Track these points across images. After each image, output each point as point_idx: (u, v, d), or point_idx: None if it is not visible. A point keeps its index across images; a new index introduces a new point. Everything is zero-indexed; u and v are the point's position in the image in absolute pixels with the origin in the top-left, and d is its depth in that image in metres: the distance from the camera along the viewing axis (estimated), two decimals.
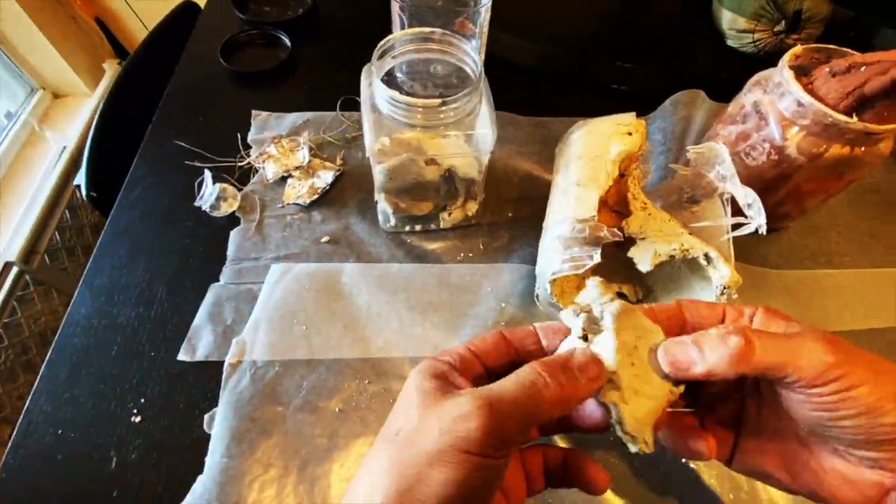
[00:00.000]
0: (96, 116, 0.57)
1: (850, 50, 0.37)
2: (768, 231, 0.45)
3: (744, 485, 0.33)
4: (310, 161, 0.46)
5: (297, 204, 0.45)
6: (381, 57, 0.34)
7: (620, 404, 0.20)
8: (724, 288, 0.32)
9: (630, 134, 0.36)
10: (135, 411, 0.35)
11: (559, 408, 0.19)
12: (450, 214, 0.43)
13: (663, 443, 0.23)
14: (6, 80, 1.06)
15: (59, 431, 0.34)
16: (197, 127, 0.50)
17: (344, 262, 0.42)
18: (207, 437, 0.34)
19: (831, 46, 0.38)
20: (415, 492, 0.17)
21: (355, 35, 0.59)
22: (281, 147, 0.47)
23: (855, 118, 0.33)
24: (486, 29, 0.49)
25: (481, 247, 0.44)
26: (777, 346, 0.19)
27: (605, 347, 0.21)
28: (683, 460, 0.34)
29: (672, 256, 0.33)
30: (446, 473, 0.17)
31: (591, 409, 0.21)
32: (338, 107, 0.51)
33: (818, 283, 0.43)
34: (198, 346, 0.38)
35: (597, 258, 0.31)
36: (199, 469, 0.33)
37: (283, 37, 0.57)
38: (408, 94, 0.51)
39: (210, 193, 0.44)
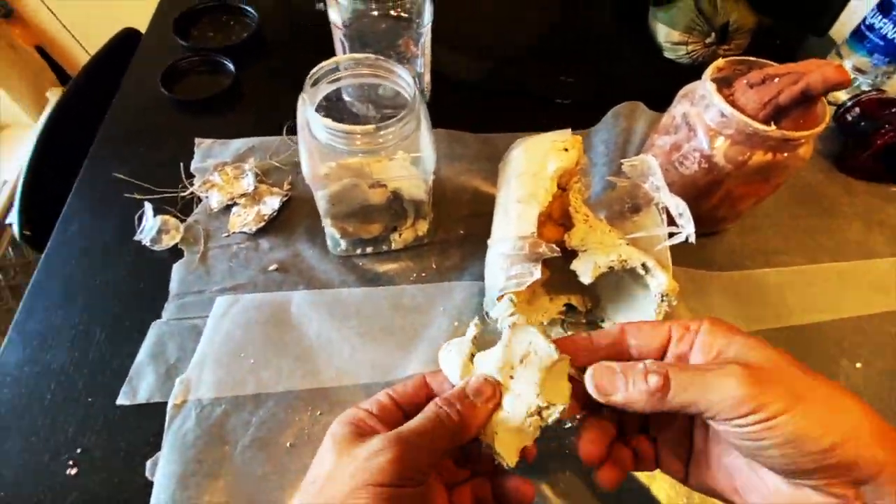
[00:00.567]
0: (31, 150, 0.54)
1: (768, 61, 0.39)
2: (709, 234, 0.47)
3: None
4: (256, 187, 0.46)
5: (244, 232, 0.44)
6: (314, 84, 0.34)
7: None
8: (663, 296, 0.33)
9: (566, 150, 0.37)
10: (70, 463, 0.33)
11: (464, 432, 0.22)
12: (400, 235, 0.43)
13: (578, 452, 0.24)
14: None
15: None
16: (137, 158, 0.49)
17: (294, 289, 0.41)
18: (150, 485, 0.32)
19: (751, 58, 0.40)
20: None
21: (300, 59, 0.58)
22: (225, 174, 0.46)
23: (773, 126, 0.35)
24: (428, 49, 0.50)
25: (434, 266, 0.44)
26: (692, 382, 0.20)
27: (491, 358, 0.24)
28: (637, 473, 0.34)
29: (611, 268, 0.34)
30: None
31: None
32: (284, 131, 0.51)
33: (759, 282, 0.44)
34: (139, 387, 0.36)
35: (537, 274, 0.32)
36: None
37: (226, 62, 0.56)
38: (353, 115, 0.51)
39: (151, 227, 0.42)
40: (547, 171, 0.36)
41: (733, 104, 0.36)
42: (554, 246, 0.33)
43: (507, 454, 0.22)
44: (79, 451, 0.34)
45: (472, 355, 0.25)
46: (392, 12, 0.46)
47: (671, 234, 0.34)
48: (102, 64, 0.64)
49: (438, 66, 0.54)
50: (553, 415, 0.22)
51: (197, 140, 0.50)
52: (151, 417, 0.35)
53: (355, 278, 0.42)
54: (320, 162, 0.34)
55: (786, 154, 0.37)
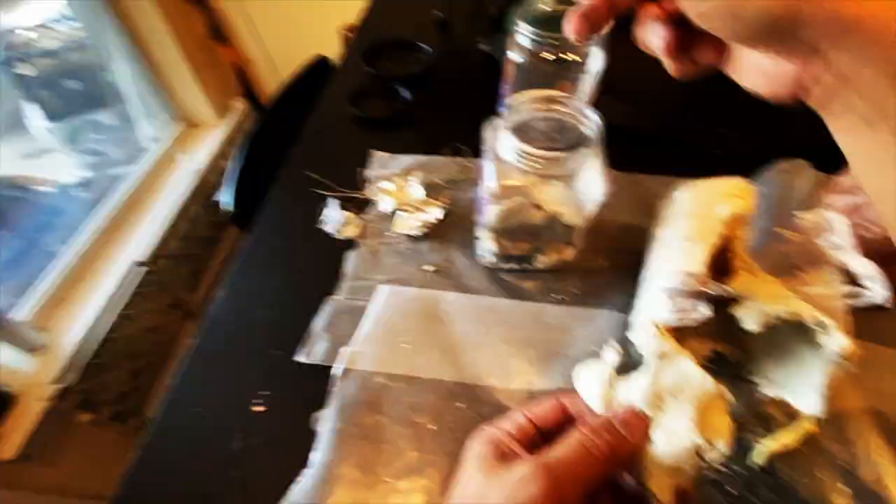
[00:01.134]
0: (246, 147, 0.67)
1: None
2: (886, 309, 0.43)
3: None
4: (422, 198, 0.52)
5: (408, 234, 0.50)
6: (511, 111, 0.39)
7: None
8: (842, 359, 0.32)
9: (740, 197, 0.37)
10: (260, 402, 0.40)
11: (611, 464, 0.21)
12: (546, 256, 0.46)
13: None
14: (156, 111, 1.27)
15: (199, 410, 0.40)
16: (326, 162, 0.58)
17: (444, 290, 0.46)
18: (314, 434, 0.38)
19: None
20: None
21: (464, 90, 0.67)
22: (396, 184, 0.54)
23: None
24: (588, 93, 0.54)
25: (574, 290, 0.46)
26: None
27: (636, 386, 0.23)
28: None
29: (783, 319, 0.33)
30: None
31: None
32: (448, 152, 0.57)
33: None
34: (313, 350, 0.42)
35: (706, 311, 0.32)
36: (306, 461, 0.36)
37: (402, 90, 0.65)
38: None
39: (335, 219, 0.50)
40: (716, 214, 0.36)
41: None
42: (726, 287, 0.33)
43: (662, 494, 0.21)
44: (267, 392, 0.40)
45: (612, 381, 0.25)
46: (562, 55, 0.51)
47: (854, 295, 0.33)
48: (298, 83, 0.78)
49: (595, 109, 0.57)
50: (713, 454, 0.22)
51: (373, 152, 0.58)
52: (322, 377, 0.41)
53: (498, 289, 0.46)
54: (501, 180, 0.39)
55: None
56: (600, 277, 0.47)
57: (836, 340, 0.32)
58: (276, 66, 1.31)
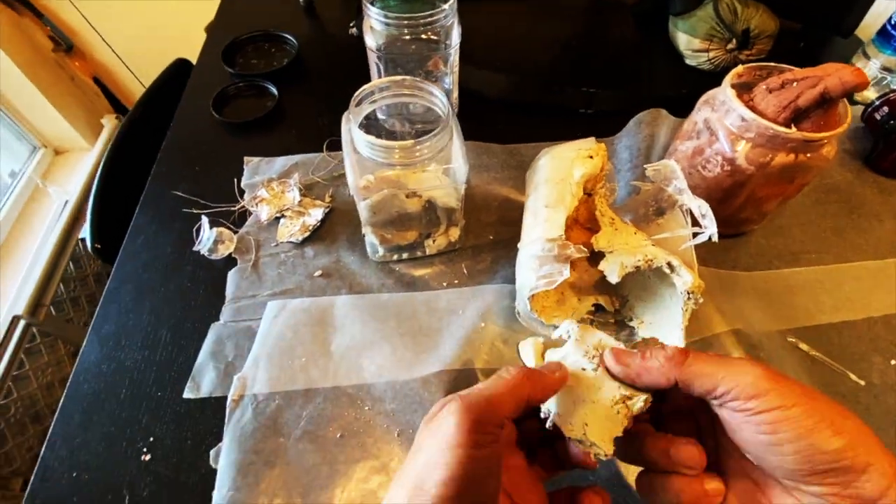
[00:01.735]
0: (98, 172, 0.60)
1: (788, 66, 0.40)
2: (736, 235, 0.48)
3: None
4: (300, 200, 0.49)
5: (291, 242, 0.47)
6: (357, 104, 0.38)
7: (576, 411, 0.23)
8: (689, 293, 0.34)
9: (591, 157, 0.39)
10: (144, 450, 0.37)
11: (525, 395, 0.22)
12: (434, 241, 0.46)
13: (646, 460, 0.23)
14: (9, 141, 1.11)
15: (75, 474, 0.36)
16: (194, 176, 0.54)
17: (337, 293, 0.44)
18: (214, 472, 0.36)
19: (771, 64, 0.41)
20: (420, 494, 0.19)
21: (337, 80, 0.64)
22: (272, 189, 0.51)
23: (793, 128, 0.36)
24: (456, 67, 0.53)
25: (465, 270, 0.46)
26: (709, 359, 0.21)
27: (562, 353, 0.25)
28: None
29: (637, 267, 0.35)
30: (438, 473, 0.19)
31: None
32: (324, 148, 0.55)
33: (786, 282, 0.45)
34: (202, 383, 0.40)
35: (566, 274, 0.34)
36: (208, 503, 0.34)
37: (270, 86, 0.61)
38: (388, 131, 0.55)
39: (208, 238, 0.47)
40: (573, 178, 0.38)
41: (753, 109, 0.38)
42: (581, 247, 0.35)
43: (602, 442, 0.22)
44: (151, 439, 0.37)
45: (544, 353, 0.26)
46: (423, 36, 0.49)
47: (695, 235, 0.35)
48: (157, 92, 0.71)
49: (465, 83, 0.57)
50: (637, 403, 0.23)
51: (246, 158, 0.55)
52: (214, 410, 0.38)
53: (393, 282, 0.45)
54: (363, 174, 0.38)
55: (808, 155, 0.38)
56: (488, 253, 0.47)
57: (684, 278, 0.34)
58: (141, 75, 1.18)
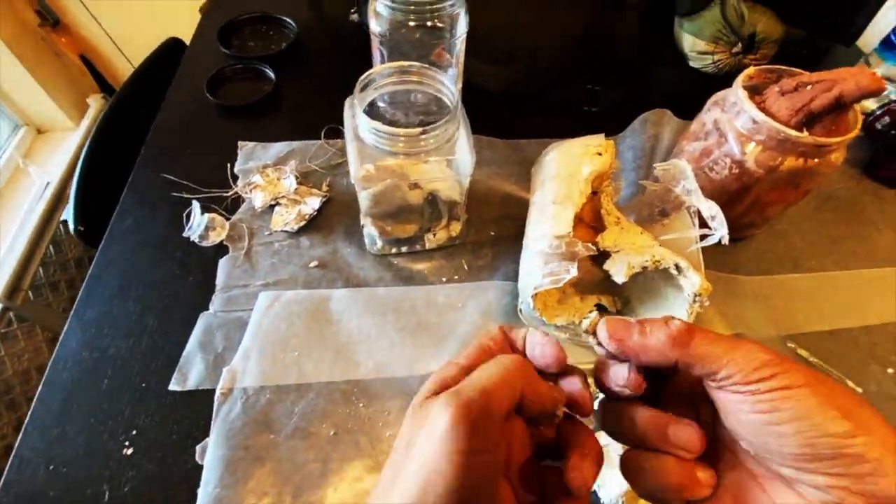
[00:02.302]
0: (83, 152, 0.58)
1: (799, 70, 0.40)
2: (737, 240, 0.48)
3: None
4: (296, 188, 0.48)
5: (285, 231, 0.46)
6: (363, 89, 0.36)
7: None
8: (696, 296, 0.34)
9: (600, 154, 0.38)
10: (126, 443, 0.35)
11: (521, 376, 0.20)
12: (434, 235, 0.45)
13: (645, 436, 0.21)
14: None
15: (51, 467, 0.34)
16: (185, 160, 0.51)
17: (333, 285, 0.43)
18: (200, 468, 0.34)
19: (782, 67, 0.41)
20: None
21: (337, 66, 0.62)
22: (267, 176, 0.49)
23: (805, 132, 0.36)
24: (461, 58, 0.52)
25: (465, 266, 0.45)
26: (716, 339, 0.19)
27: None
28: None
29: (644, 268, 0.35)
30: (441, 484, 0.17)
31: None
32: (322, 135, 0.53)
33: (786, 287, 0.45)
34: (189, 375, 0.38)
35: (573, 272, 0.33)
36: (193, 500, 0.33)
37: (267, 70, 0.59)
38: (390, 122, 0.53)
39: (198, 224, 0.45)
40: (581, 174, 0.37)
41: (764, 111, 0.37)
42: (590, 245, 0.34)
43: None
44: (134, 433, 0.36)
45: None
46: (428, 23, 0.48)
47: (703, 237, 0.35)
48: (147, 71, 0.68)
49: (470, 75, 0.56)
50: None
51: (240, 143, 0.53)
52: (201, 403, 0.37)
53: (391, 276, 0.44)
54: (364, 163, 0.36)
55: (817, 160, 0.37)
56: (489, 249, 0.46)
57: (692, 280, 0.34)
58: (130, 54, 1.14)
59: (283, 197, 0.47)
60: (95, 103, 1.17)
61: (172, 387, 0.37)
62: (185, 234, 0.45)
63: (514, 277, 0.43)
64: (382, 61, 0.51)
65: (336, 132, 0.53)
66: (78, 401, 0.37)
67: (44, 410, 0.37)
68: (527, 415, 0.21)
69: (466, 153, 0.37)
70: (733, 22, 0.59)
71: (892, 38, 0.57)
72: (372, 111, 0.44)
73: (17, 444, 0.35)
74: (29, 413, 0.36)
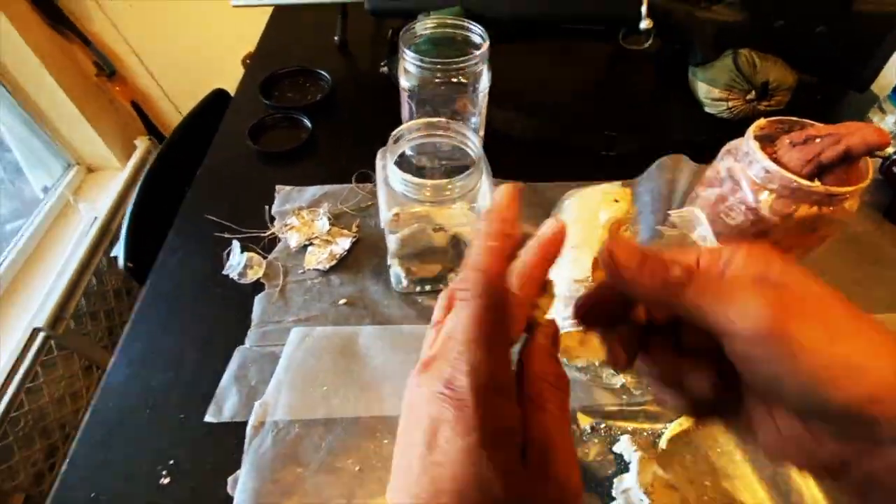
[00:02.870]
0: (135, 194, 0.63)
1: (809, 120, 0.41)
2: None
3: None
4: (329, 230, 0.51)
5: (318, 269, 0.49)
6: (395, 142, 0.40)
7: None
8: None
9: (617, 201, 0.40)
10: (164, 473, 0.37)
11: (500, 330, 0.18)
12: (457, 274, 0.47)
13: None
14: (45, 157, 1.16)
15: (93, 494, 0.36)
16: (227, 202, 0.56)
17: (361, 322, 0.45)
18: (232, 499, 0.36)
19: (793, 118, 0.42)
20: None
21: (368, 116, 0.67)
22: (302, 217, 0.52)
23: (817, 182, 0.37)
24: (484, 108, 0.56)
25: None
26: (714, 290, 0.17)
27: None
28: None
29: None
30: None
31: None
32: (353, 180, 0.57)
33: None
34: (224, 407, 0.40)
35: None
36: None
37: (304, 119, 0.63)
38: (416, 167, 0.57)
39: (238, 262, 0.48)
40: (599, 221, 0.39)
41: (777, 161, 0.39)
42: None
43: None
44: (171, 462, 0.37)
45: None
46: (454, 79, 0.52)
47: None
48: (195, 119, 0.74)
49: (493, 122, 0.59)
50: None
51: (277, 187, 0.57)
52: (234, 435, 0.38)
53: (416, 313, 0.46)
54: (394, 208, 0.39)
55: (832, 208, 0.38)
56: None
57: None
58: (178, 102, 1.24)
59: (316, 237, 0.50)
60: (142, 145, 1.26)
61: (208, 418, 0.39)
62: (224, 272, 0.48)
63: None
64: (410, 112, 0.55)
65: (366, 177, 0.57)
66: (120, 431, 0.39)
67: (88, 440, 0.39)
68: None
69: (488, 199, 0.40)
70: (746, 71, 0.62)
71: None
72: (401, 158, 0.47)
73: (62, 472, 0.37)
74: (74, 442, 0.39)
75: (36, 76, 1.04)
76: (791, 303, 0.16)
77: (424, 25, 0.51)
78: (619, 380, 0.40)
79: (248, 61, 0.86)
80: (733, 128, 0.46)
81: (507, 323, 0.19)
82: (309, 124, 0.63)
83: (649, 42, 0.72)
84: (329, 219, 0.52)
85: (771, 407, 0.18)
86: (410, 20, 0.53)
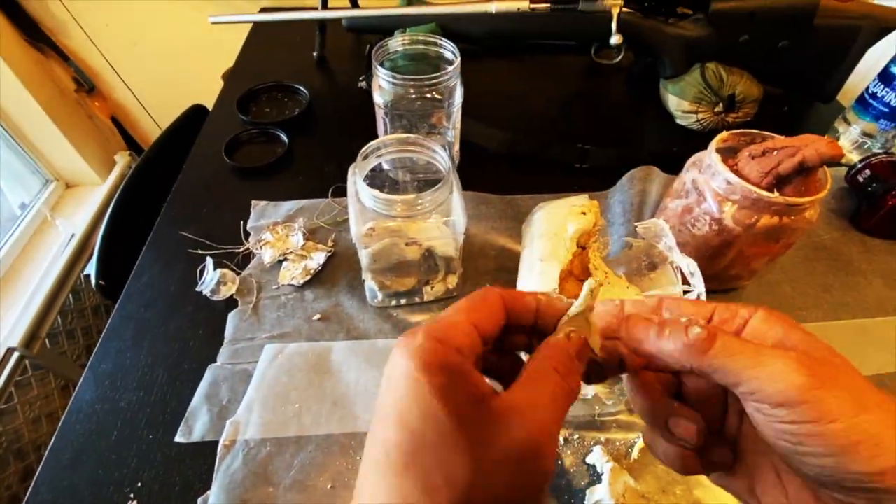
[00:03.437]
0: (109, 211, 0.62)
1: (769, 133, 0.43)
2: (726, 291, 0.49)
3: None
4: (303, 244, 0.51)
5: (292, 285, 0.48)
6: (364, 158, 0.40)
7: None
8: None
9: (584, 213, 0.40)
10: (131, 495, 0.36)
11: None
12: (432, 288, 0.47)
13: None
14: (22, 173, 1.14)
15: None
16: (202, 218, 0.55)
17: (335, 337, 0.45)
18: None
19: (753, 131, 0.44)
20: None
21: (345, 131, 0.67)
22: (276, 233, 0.52)
23: (776, 193, 0.38)
24: (458, 123, 0.56)
25: None
26: (742, 350, 0.17)
27: None
28: None
29: None
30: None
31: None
32: (329, 194, 0.57)
33: None
34: (194, 427, 0.39)
35: None
36: None
37: (281, 134, 0.64)
38: (392, 180, 0.57)
39: (211, 279, 0.48)
40: (567, 233, 0.39)
41: (738, 173, 0.40)
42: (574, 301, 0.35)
43: None
44: (139, 484, 0.37)
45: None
46: (427, 95, 0.53)
47: (685, 292, 0.36)
48: (173, 134, 0.74)
49: (467, 136, 0.60)
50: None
51: (253, 202, 0.57)
52: (205, 456, 0.38)
53: (390, 327, 0.46)
54: (365, 223, 0.39)
55: (792, 217, 0.39)
56: None
57: None
58: (158, 117, 1.23)
59: (290, 252, 0.50)
60: (122, 160, 1.25)
61: (178, 439, 0.39)
62: (198, 289, 0.48)
63: None
64: (385, 127, 0.56)
65: (343, 191, 0.57)
66: (87, 453, 0.38)
67: (55, 462, 0.38)
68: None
69: (460, 213, 0.40)
70: (713, 84, 0.63)
71: (867, 97, 0.61)
72: (375, 171, 0.48)
73: (27, 497, 0.36)
74: (40, 465, 0.38)
75: (13, 92, 1.02)
76: (820, 370, 0.16)
77: (397, 42, 0.52)
78: (591, 390, 0.40)
79: (227, 76, 0.86)
80: (704, 139, 0.47)
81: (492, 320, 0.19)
82: (286, 139, 0.63)
83: (620, 56, 0.74)
84: (304, 233, 0.52)
85: (781, 472, 0.19)
86: (387, 36, 0.54)
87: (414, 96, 0.52)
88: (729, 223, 0.40)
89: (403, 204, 0.37)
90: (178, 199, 0.58)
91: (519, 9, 0.62)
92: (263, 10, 0.90)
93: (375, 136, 0.51)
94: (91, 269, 0.57)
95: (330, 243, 0.52)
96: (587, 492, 0.36)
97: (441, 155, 0.40)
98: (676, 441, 0.20)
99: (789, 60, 0.64)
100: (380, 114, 0.54)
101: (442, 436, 0.16)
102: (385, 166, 0.58)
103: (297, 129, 0.65)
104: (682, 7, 0.65)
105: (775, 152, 0.38)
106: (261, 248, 0.51)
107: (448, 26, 0.65)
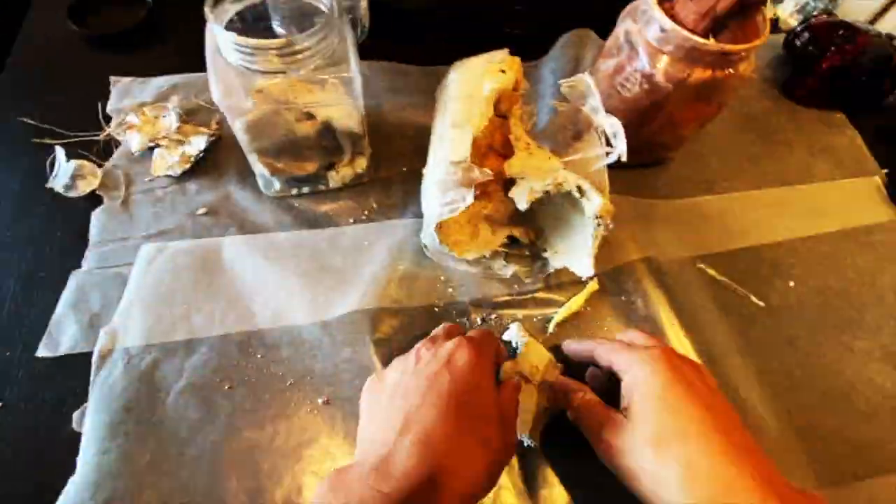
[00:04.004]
0: None
1: None
2: (653, 165, 0.47)
3: None
4: (178, 127, 0.42)
5: (169, 175, 0.41)
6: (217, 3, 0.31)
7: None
8: (598, 218, 0.32)
9: (503, 71, 0.35)
10: None
11: None
12: (337, 173, 0.41)
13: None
14: None
15: None
16: (46, 100, 0.44)
17: (226, 233, 0.39)
18: (78, 437, 0.31)
19: None
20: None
21: None
22: (144, 115, 0.43)
23: (711, 39, 0.34)
24: None
25: (375, 205, 0.42)
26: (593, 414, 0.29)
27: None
28: None
29: (547, 192, 0.33)
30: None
31: None
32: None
33: (701, 209, 0.45)
34: (61, 339, 0.34)
35: (470, 199, 0.31)
36: (72, 469, 0.30)
37: None
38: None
39: (64, 172, 0.39)
40: (482, 94, 0.34)
41: (674, 18, 0.35)
42: (487, 170, 0.31)
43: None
44: (0, 404, 0.32)
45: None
46: None
47: (607, 154, 0.33)
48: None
49: None
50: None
51: (112, 79, 0.46)
52: (75, 368, 0.33)
53: (291, 219, 0.40)
54: (234, 87, 0.31)
55: (726, 70, 0.36)
56: (401, 186, 0.43)
57: (593, 202, 0.32)
58: None
59: (163, 137, 0.42)
60: None
61: (41, 353, 0.33)
62: (48, 185, 0.39)
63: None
64: None
65: None
66: None
67: None
68: None
69: (354, 71, 0.33)
70: None
71: None
72: (248, 25, 0.38)
73: None
74: None
75: None
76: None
77: None
78: (510, 269, 0.38)
79: None
80: None
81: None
82: None
83: None
84: (179, 114, 0.43)
85: None
86: None
87: None
88: (661, 80, 0.36)
89: (278, 52, 0.30)
90: (12, 77, 0.46)
91: None
92: None
93: None
94: None
95: (213, 126, 0.44)
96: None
97: None
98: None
99: None
100: None
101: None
102: (277, 28, 0.47)
103: None
104: None
105: None
106: (125, 133, 0.42)
107: None
